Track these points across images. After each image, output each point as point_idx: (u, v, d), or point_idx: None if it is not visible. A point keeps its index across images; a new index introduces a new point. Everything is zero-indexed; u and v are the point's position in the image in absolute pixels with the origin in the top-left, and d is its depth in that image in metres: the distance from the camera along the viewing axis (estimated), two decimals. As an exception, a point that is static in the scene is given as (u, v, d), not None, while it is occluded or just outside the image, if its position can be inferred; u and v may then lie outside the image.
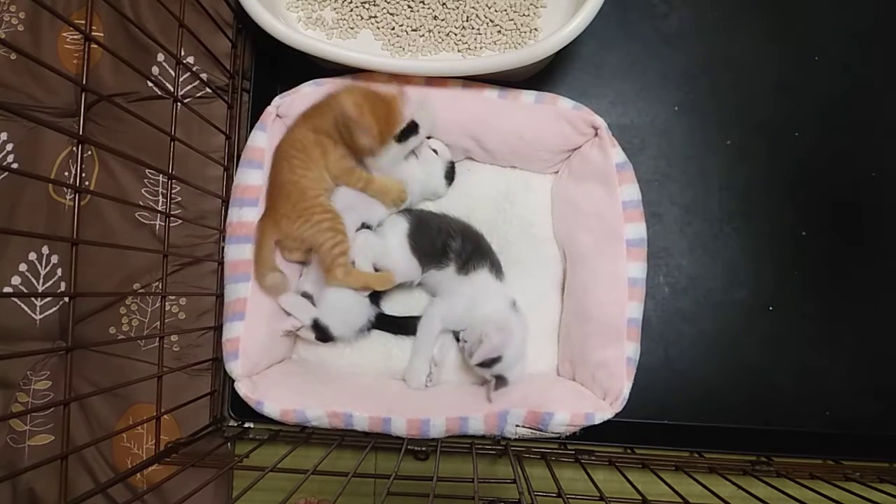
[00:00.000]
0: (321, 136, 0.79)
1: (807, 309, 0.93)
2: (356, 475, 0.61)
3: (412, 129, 0.80)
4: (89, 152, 0.93)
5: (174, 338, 0.89)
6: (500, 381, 0.76)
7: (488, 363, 0.76)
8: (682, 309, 0.92)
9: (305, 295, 0.83)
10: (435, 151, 0.86)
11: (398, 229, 0.83)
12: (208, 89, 0.90)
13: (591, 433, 0.77)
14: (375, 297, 0.85)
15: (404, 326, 0.87)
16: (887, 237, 0.94)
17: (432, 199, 0.91)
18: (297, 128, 0.81)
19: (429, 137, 0.86)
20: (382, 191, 0.82)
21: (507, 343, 0.76)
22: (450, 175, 0.88)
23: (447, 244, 0.82)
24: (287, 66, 0.90)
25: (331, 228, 0.78)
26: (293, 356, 0.89)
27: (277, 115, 0.84)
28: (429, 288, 0.87)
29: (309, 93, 0.84)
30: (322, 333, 0.81)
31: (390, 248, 0.82)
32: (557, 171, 0.90)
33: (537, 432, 0.75)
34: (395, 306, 0.89)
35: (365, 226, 0.83)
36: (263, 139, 0.83)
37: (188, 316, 0.90)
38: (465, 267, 0.81)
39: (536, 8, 0.91)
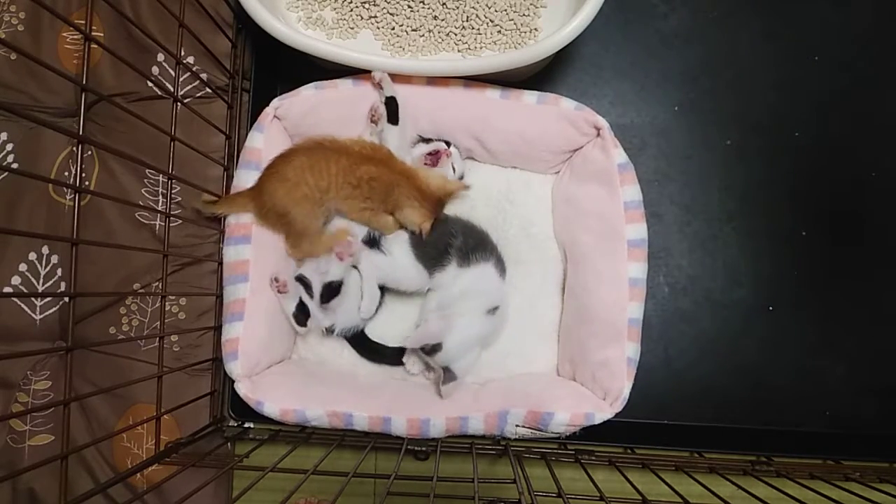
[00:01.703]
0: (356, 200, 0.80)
1: (806, 309, 0.93)
2: (356, 475, 0.61)
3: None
4: (89, 152, 0.93)
5: (174, 338, 0.89)
6: (447, 373, 0.77)
7: (428, 350, 0.76)
8: (681, 309, 0.92)
9: (302, 279, 0.83)
10: (453, 169, 0.85)
11: (400, 240, 0.83)
12: (208, 89, 0.90)
13: (591, 433, 0.77)
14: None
15: (379, 352, 0.87)
16: (887, 237, 0.94)
17: None
18: (336, 168, 0.79)
19: (448, 144, 0.86)
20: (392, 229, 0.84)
21: (448, 331, 0.75)
22: None
23: (448, 243, 0.82)
24: (287, 65, 0.90)
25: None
26: (293, 356, 0.89)
27: (275, 117, 0.84)
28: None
29: (308, 96, 0.84)
30: (302, 316, 0.82)
31: (396, 261, 0.82)
32: (558, 172, 0.90)
33: (537, 432, 0.75)
34: (398, 319, 0.89)
35: (371, 237, 0.83)
36: (261, 140, 0.83)
37: (188, 316, 0.90)
38: (466, 259, 0.81)
39: (536, 8, 0.91)
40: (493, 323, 0.81)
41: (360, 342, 0.87)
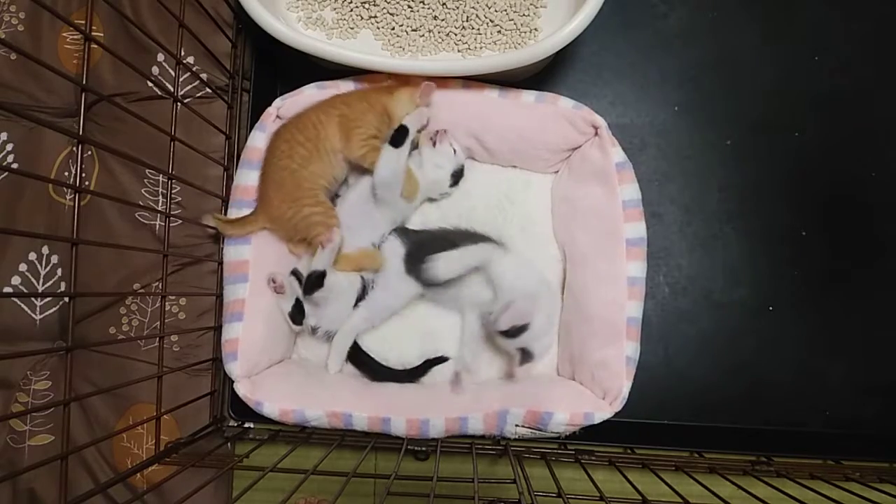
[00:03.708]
0: (346, 121, 0.80)
1: (806, 309, 0.93)
2: (356, 475, 0.61)
3: (404, 133, 0.81)
4: (89, 152, 0.93)
5: (174, 338, 0.89)
6: (526, 355, 0.76)
7: (514, 332, 0.75)
8: (681, 309, 0.92)
9: (297, 273, 0.82)
10: (454, 150, 0.86)
11: (395, 252, 0.83)
12: (208, 89, 0.90)
13: (591, 433, 0.77)
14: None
15: (366, 360, 0.86)
16: (887, 237, 0.94)
17: (436, 198, 0.90)
18: (312, 112, 0.81)
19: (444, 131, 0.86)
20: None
21: (534, 311, 0.75)
22: (457, 176, 0.87)
23: (445, 247, 0.81)
24: (287, 66, 0.90)
25: (321, 223, 0.79)
26: (293, 356, 0.89)
27: (278, 117, 0.84)
28: (442, 298, 0.86)
29: (311, 95, 0.84)
30: (299, 315, 0.82)
31: (390, 285, 0.83)
32: (557, 171, 0.90)
33: (537, 432, 0.75)
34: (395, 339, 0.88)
35: (363, 287, 0.83)
36: (263, 140, 0.83)
37: (188, 316, 0.90)
38: (472, 239, 0.81)
39: (536, 8, 0.91)
40: (553, 297, 0.82)
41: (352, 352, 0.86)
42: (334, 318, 0.83)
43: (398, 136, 0.80)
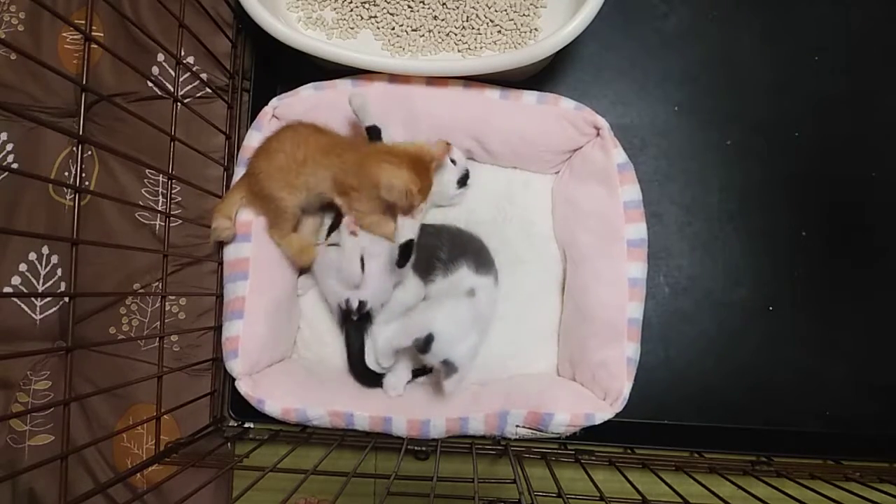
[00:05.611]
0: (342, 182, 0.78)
1: (806, 309, 0.93)
2: (356, 475, 0.61)
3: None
4: (89, 152, 0.93)
5: (174, 338, 0.89)
6: (447, 366, 0.72)
7: (421, 346, 0.71)
8: (682, 309, 0.92)
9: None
10: (453, 161, 0.85)
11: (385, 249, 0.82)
12: (208, 89, 0.90)
13: (591, 433, 0.77)
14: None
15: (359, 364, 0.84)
16: (887, 237, 0.94)
17: (445, 205, 0.89)
18: (312, 161, 0.78)
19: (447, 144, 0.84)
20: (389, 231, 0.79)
21: (433, 319, 0.72)
22: (463, 182, 0.86)
23: (436, 256, 0.80)
24: (287, 66, 0.90)
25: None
26: (293, 355, 0.89)
27: (274, 116, 0.84)
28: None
29: (307, 96, 0.84)
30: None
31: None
32: (558, 172, 0.90)
33: (537, 432, 0.75)
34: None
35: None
36: (260, 139, 0.83)
37: (188, 316, 0.90)
38: (447, 269, 0.80)
39: (536, 8, 0.91)
40: (475, 305, 0.76)
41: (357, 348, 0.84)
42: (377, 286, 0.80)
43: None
